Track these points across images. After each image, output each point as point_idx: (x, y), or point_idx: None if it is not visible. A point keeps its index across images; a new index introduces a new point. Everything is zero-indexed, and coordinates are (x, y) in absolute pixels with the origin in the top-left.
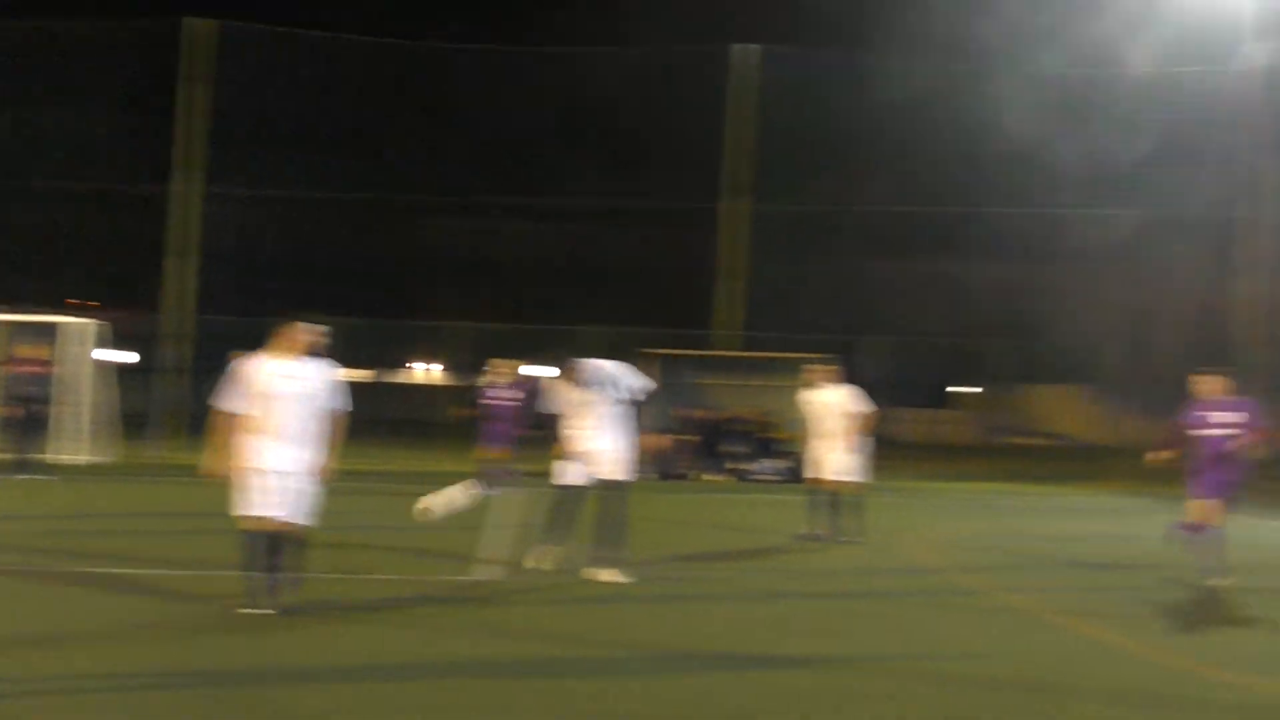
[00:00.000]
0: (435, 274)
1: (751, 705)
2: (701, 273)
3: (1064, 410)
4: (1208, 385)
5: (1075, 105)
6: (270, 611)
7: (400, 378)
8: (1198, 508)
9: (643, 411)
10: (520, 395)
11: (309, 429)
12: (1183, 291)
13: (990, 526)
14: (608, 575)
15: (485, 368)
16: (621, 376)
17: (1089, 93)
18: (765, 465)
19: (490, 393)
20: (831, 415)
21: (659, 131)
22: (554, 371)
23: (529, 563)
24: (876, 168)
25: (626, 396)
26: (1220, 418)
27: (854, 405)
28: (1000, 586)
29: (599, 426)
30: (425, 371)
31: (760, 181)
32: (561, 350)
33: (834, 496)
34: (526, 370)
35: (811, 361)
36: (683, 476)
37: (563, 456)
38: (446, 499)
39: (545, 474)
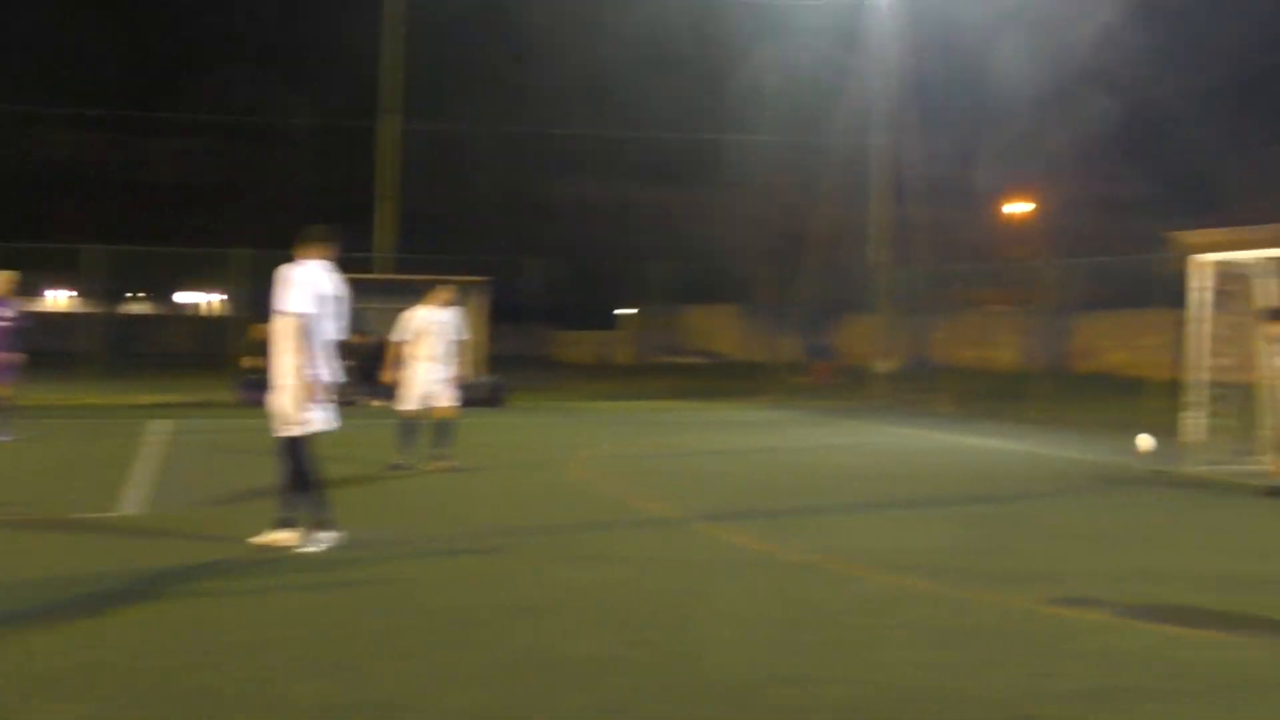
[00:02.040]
0: (59, 191)
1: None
2: (362, 194)
3: (719, 329)
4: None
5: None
6: None
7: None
8: None
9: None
10: (11, 315)
11: None
12: (824, 215)
13: (641, 442)
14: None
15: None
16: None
17: (732, 21)
18: None
19: None
20: (437, 337)
21: (314, 48)
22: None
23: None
24: (533, 90)
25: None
26: None
27: (460, 329)
28: (644, 496)
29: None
30: (65, 299)
31: (417, 102)
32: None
33: (439, 422)
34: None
35: (449, 282)
36: (351, 403)
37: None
38: None
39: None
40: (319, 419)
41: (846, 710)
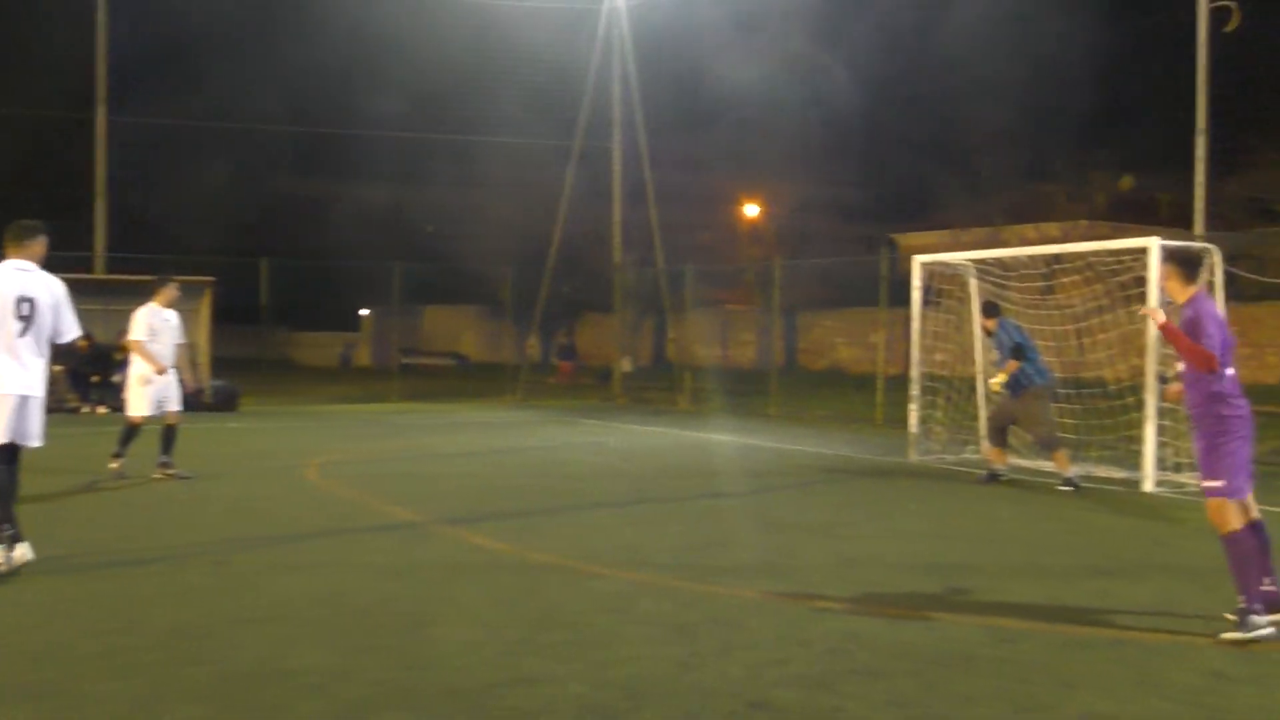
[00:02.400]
0: None
1: None
2: (78, 190)
3: (463, 330)
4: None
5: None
6: None
7: None
8: None
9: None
10: None
11: None
12: (566, 217)
13: (381, 446)
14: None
15: None
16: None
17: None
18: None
19: None
20: (167, 338)
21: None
22: None
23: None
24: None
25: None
26: None
27: (180, 332)
28: (384, 500)
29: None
30: None
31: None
32: None
33: (167, 428)
34: None
35: (165, 283)
36: (74, 410)
37: None
38: None
39: None
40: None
41: (585, 709)
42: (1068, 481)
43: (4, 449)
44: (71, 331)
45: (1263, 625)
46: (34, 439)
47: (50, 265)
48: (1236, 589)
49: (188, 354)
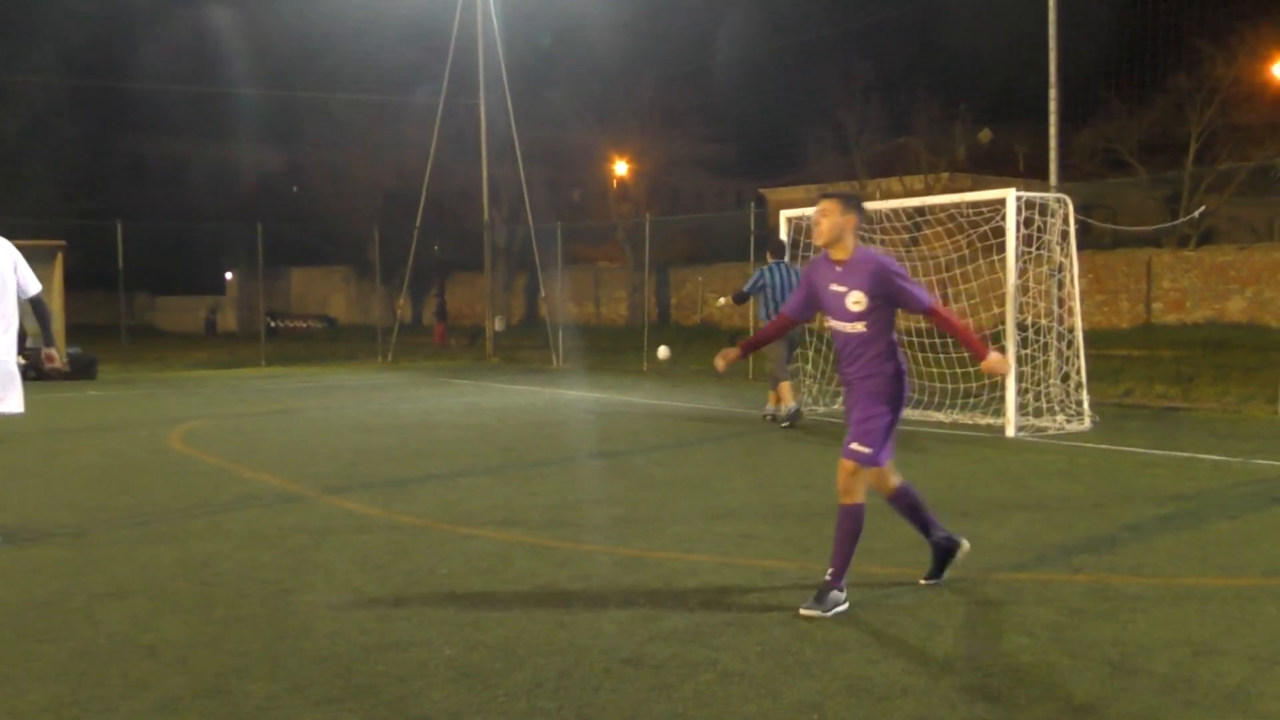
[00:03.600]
0: None
1: None
2: None
3: (331, 293)
4: None
5: None
6: None
7: None
8: None
9: None
10: None
11: None
12: (435, 175)
13: (247, 411)
14: None
15: None
16: None
17: None
18: None
19: None
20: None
21: None
22: None
23: None
24: (119, 41)
25: None
26: None
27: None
28: (251, 467)
29: None
30: None
31: None
32: None
33: None
34: None
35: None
36: None
37: None
38: None
39: None
40: None
41: (458, 672)
42: (788, 415)
43: None
44: (34, 286)
45: (841, 602)
46: (8, 405)
47: None
48: (833, 560)
49: None
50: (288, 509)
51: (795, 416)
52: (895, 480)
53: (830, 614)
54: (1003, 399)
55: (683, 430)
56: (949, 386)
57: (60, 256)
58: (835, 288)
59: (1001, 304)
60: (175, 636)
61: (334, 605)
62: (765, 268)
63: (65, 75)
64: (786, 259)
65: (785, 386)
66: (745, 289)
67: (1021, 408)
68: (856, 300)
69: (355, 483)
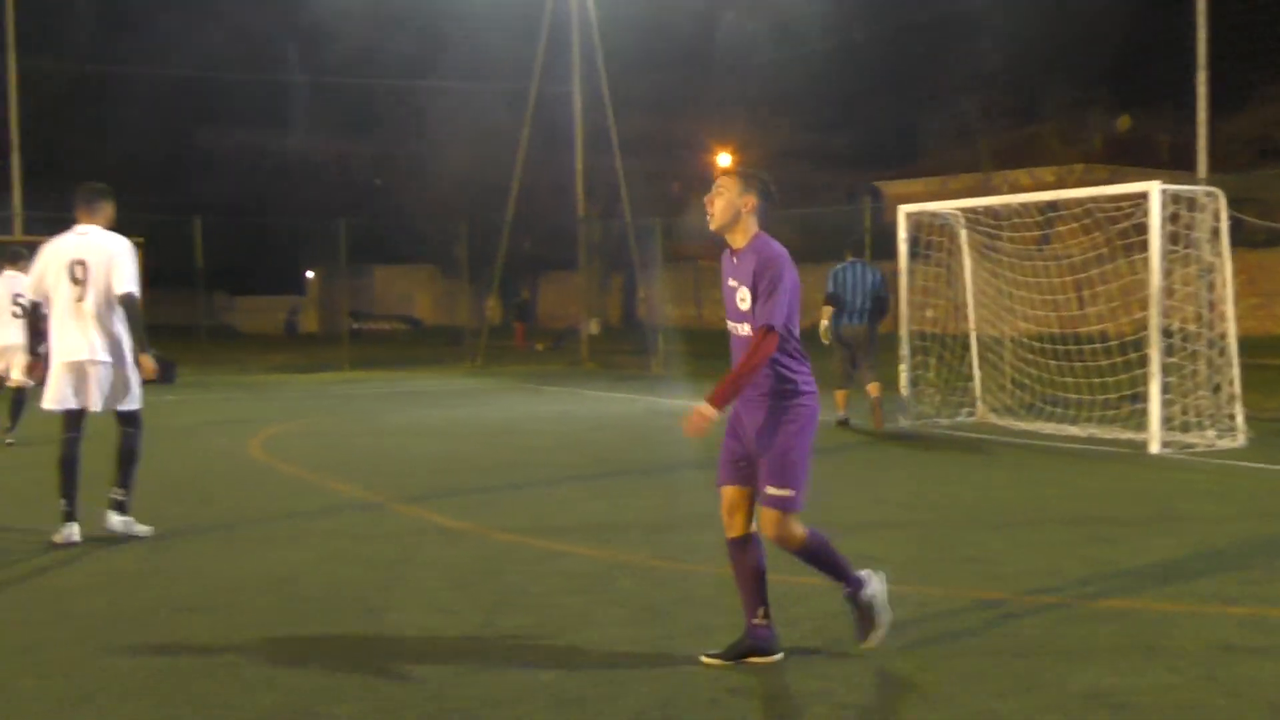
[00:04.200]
0: None
1: None
2: None
3: (416, 292)
4: None
5: None
6: None
7: None
8: None
9: None
10: None
11: None
12: (526, 166)
13: (330, 418)
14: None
15: None
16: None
17: None
18: None
19: None
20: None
21: None
22: None
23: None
24: (193, 29)
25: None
26: None
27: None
28: (334, 477)
29: None
30: None
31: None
32: None
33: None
34: None
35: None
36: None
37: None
38: None
39: None
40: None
41: (556, 699)
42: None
43: (68, 416)
44: (123, 285)
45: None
46: (97, 404)
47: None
48: (838, 580)
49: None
50: (373, 521)
51: (841, 423)
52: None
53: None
54: (1146, 412)
55: None
56: (1085, 398)
57: (139, 253)
58: (730, 282)
59: (1144, 308)
60: (260, 654)
61: (423, 625)
62: (837, 268)
63: (141, 66)
64: (865, 258)
65: (841, 394)
66: (829, 290)
67: (1167, 422)
68: (743, 297)
69: (442, 494)
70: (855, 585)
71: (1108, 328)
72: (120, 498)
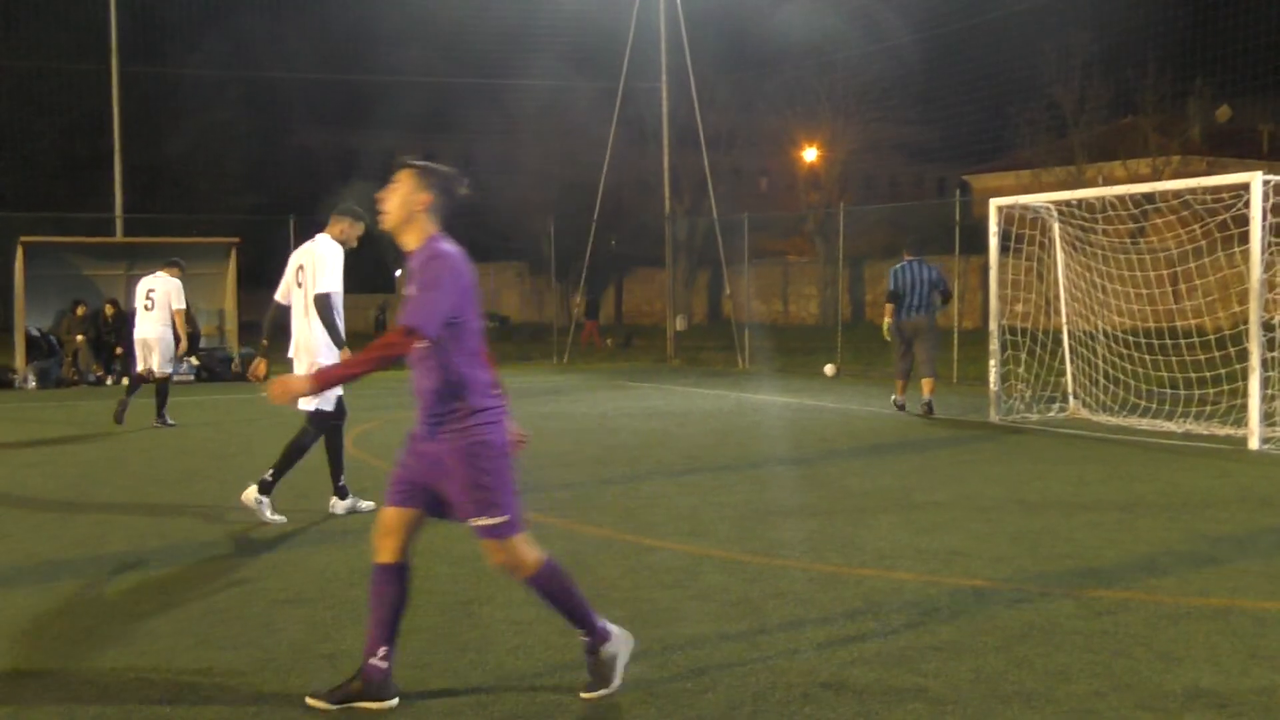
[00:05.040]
0: None
1: None
2: (87, 146)
3: (502, 290)
4: None
5: None
6: None
7: None
8: None
9: None
10: None
11: None
12: (612, 163)
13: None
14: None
15: None
16: None
17: None
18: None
19: None
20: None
21: None
22: None
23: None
24: (286, 29)
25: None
26: None
27: (177, 298)
28: None
29: None
30: None
31: (145, 42)
32: None
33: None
34: None
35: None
36: (74, 383)
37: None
38: None
39: None
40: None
41: (648, 692)
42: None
43: (314, 415)
44: (316, 286)
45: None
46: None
47: (69, 226)
48: (577, 626)
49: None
50: None
51: (898, 406)
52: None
53: (613, 689)
54: (1244, 407)
55: (880, 436)
56: (1182, 393)
57: (234, 253)
58: (408, 289)
59: (1243, 302)
60: (354, 646)
61: (515, 619)
62: (897, 267)
63: (234, 66)
64: (922, 256)
65: (900, 383)
66: (890, 288)
67: (1268, 417)
68: None
69: (531, 490)
70: (597, 638)
71: (1205, 322)
72: (269, 478)
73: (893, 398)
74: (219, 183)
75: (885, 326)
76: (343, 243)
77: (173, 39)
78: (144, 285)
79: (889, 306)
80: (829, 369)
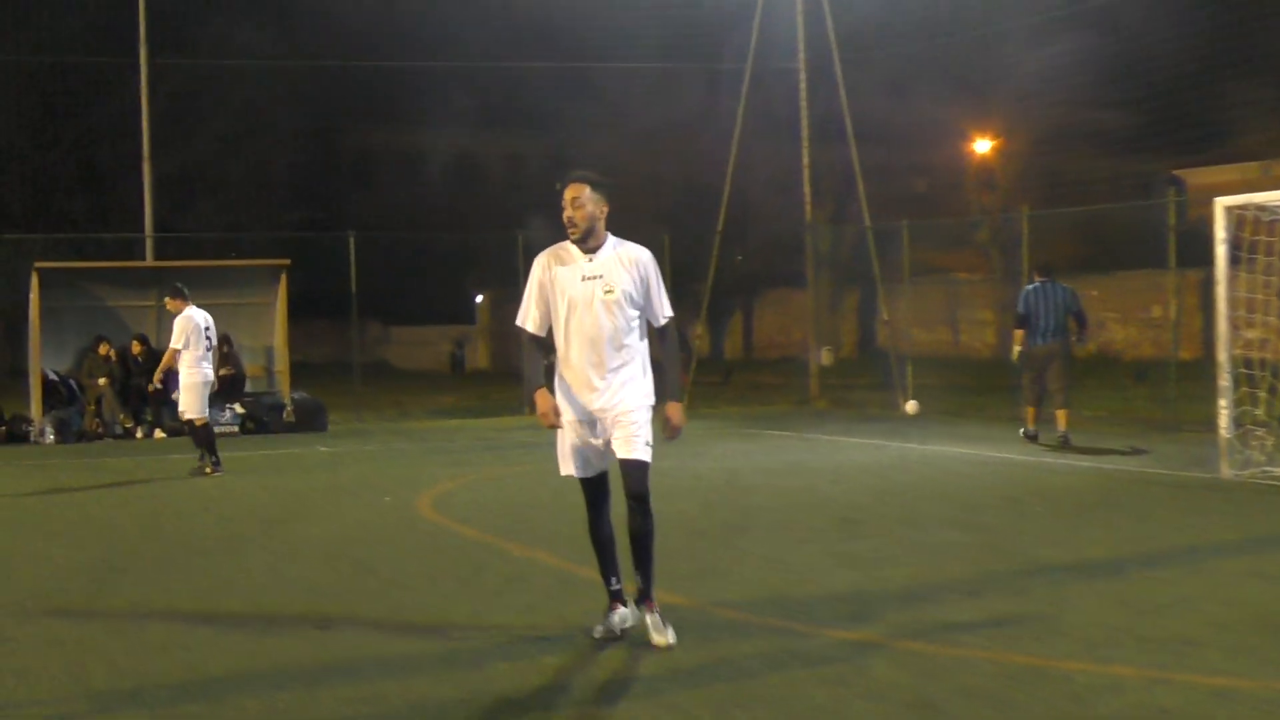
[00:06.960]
0: None
1: None
2: (109, 154)
3: None
4: None
5: None
6: None
7: None
8: None
9: None
10: None
11: None
12: (738, 162)
13: (509, 470)
14: None
15: None
16: None
17: None
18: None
19: None
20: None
21: None
22: None
23: None
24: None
25: None
26: None
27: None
28: (524, 541)
29: None
30: None
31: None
32: None
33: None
34: None
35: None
36: (98, 436)
37: None
38: None
39: None
40: None
41: None
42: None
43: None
44: (665, 307)
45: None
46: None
47: (92, 249)
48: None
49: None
50: (570, 597)
51: (1029, 437)
52: None
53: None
54: None
55: (1079, 495)
56: None
57: (284, 279)
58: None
59: None
60: None
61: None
62: (1027, 289)
63: (280, 55)
64: (1053, 277)
65: (1030, 411)
66: (1019, 311)
67: None
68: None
69: (659, 564)
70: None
71: None
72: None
73: (1021, 430)
74: (263, 193)
75: (1015, 353)
76: None
77: (207, 24)
78: (204, 319)
79: (1018, 332)
80: (910, 406)
